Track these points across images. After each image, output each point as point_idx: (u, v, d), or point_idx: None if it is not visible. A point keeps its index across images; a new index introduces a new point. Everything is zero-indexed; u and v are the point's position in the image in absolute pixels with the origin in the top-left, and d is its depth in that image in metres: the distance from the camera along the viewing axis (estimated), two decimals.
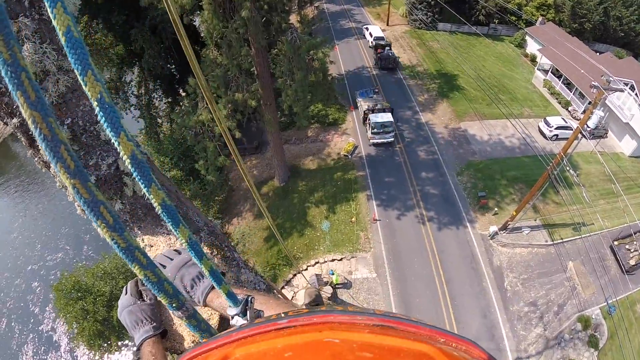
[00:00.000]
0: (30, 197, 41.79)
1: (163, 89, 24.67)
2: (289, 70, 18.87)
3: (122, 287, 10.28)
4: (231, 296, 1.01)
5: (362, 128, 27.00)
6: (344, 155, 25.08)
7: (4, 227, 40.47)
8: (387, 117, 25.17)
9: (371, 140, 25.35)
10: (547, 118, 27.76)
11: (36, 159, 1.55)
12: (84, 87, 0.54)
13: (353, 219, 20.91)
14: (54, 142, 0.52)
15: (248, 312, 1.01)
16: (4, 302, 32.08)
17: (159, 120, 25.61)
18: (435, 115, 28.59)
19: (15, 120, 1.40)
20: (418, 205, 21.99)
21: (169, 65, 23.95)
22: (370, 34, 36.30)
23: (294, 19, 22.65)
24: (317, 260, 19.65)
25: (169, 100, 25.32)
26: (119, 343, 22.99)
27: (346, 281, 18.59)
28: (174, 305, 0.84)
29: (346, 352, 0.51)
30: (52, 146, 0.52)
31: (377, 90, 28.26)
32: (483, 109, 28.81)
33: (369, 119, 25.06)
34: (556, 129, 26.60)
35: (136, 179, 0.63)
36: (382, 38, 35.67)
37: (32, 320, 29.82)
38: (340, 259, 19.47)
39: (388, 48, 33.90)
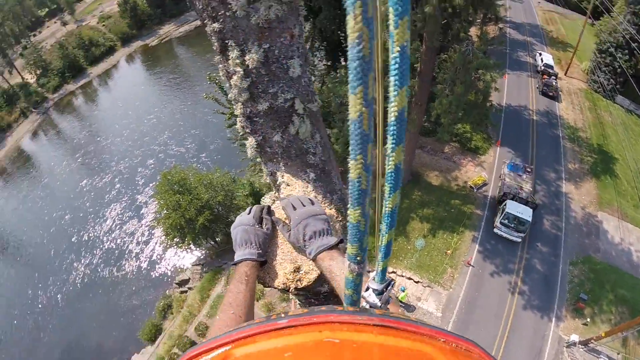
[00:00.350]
0: (177, 93, 47.77)
1: (326, 51, 25.91)
2: (451, 80, 18.61)
3: (220, 200, 18.05)
4: (383, 272, 1.02)
5: (499, 167, 25.59)
6: (470, 186, 24.47)
7: (147, 106, 46.01)
8: (526, 212, 20.93)
9: (495, 230, 21.78)
10: None
11: (221, 65, 1.55)
12: (393, 29, 0.52)
13: (449, 252, 20.59)
14: (368, 65, 0.50)
15: (385, 293, 0.96)
16: (117, 162, 37.79)
17: (313, 78, 27.03)
18: (578, 190, 26.15)
19: (216, 25, 1.39)
20: (517, 273, 20.89)
21: (339, 32, 25.01)
22: (542, 59, 35.84)
23: (473, 32, 21.96)
24: (394, 271, 19.84)
25: (328, 63, 26.58)
26: (191, 244, 25.38)
27: (410, 304, 18.55)
28: (358, 258, 0.80)
29: (346, 352, 0.52)
30: (364, 68, 0.50)
31: (530, 170, 24.62)
32: (628, 209, 25.49)
33: (505, 205, 21.29)
34: None
35: (389, 133, 0.62)
36: (551, 67, 35.31)
37: (132, 188, 34.73)
38: (417, 282, 19.50)
39: (554, 77, 33.58)
